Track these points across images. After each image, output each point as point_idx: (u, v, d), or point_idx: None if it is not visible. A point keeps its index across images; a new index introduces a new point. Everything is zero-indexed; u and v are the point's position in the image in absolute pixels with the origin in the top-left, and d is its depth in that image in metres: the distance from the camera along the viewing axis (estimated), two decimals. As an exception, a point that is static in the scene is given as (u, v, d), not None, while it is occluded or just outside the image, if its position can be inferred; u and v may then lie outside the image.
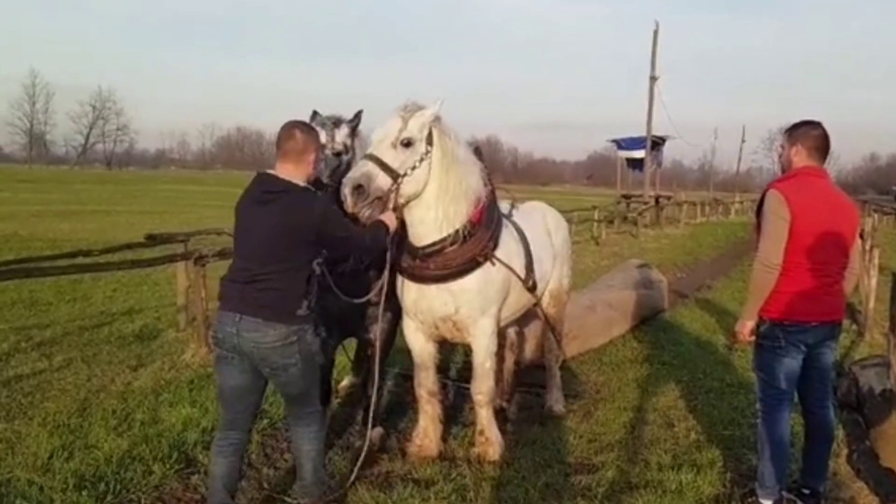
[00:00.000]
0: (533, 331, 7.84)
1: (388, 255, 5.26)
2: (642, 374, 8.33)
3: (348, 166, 5.23)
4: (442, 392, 6.04)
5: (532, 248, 6.07)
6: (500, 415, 6.41)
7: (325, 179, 5.14)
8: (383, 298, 5.36)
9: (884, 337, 10.05)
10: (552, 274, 6.63)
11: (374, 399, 5.45)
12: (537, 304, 6.51)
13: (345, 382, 6.51)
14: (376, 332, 5.72)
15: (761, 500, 5.00)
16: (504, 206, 6.28)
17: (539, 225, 6.58)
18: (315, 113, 5.46)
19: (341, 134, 5.35)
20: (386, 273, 5.33)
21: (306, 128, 4.55)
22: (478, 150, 5.82)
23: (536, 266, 6.07)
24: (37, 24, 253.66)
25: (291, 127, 4.49)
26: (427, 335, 5.75)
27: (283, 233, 4.31)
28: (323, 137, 5.22)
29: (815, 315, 4.82)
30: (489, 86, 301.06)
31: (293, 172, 4.42)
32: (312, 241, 4.40)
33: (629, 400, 7.39)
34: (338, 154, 5.30)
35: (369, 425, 5.51)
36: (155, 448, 5.59)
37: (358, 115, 5.45)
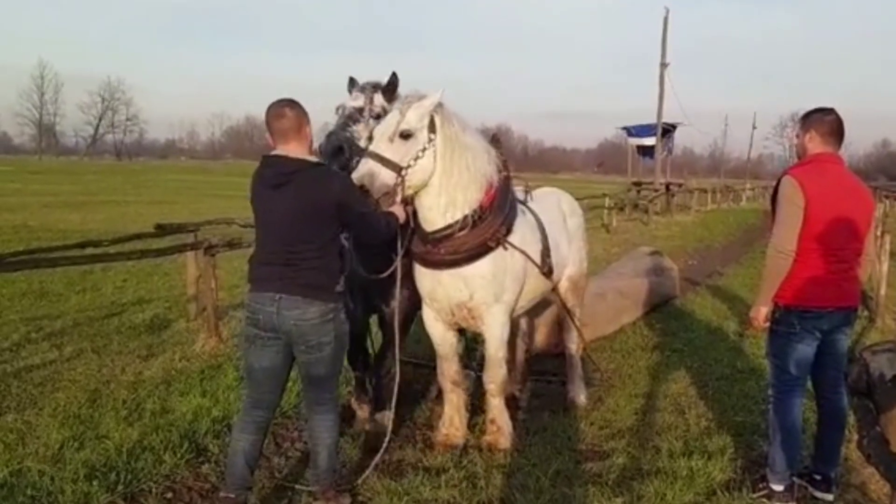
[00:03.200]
0: (544, 318, 7.82)
1: (399, 241, 5.26)
2: (653, 362, 8.31)
3: None
4: (466, 381, 6.02)
5: (549, 233, 6.04)
6: (511, 403, 6.40)
7: (362, 143, 5.18)
8: (398, 289, 5.40)
9: (895, 322, 10.04)
10: (570, 258, 6.61)
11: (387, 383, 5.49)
12: (554, 289, 6.46)
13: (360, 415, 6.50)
14: (394, 308, 5.73)
15: (772, 486, 5.00)
16: (519, 192, 6.29)
17: (554, 209, 6.55)
18: (352, 79, 5.55)
19: (379, 98, 5.41)
20: (399, 258, 5.34)
21: (292, 102, 4.48)
22: (495, 138, 5.83)
23: (553, 251, 6.04)
24: (44, 13, 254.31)
25: (278, 106, 4.42)
26: (446, 323, 5.74)
27: (305, 212, 4.33)
28: (361, 101, 5.37)
29: (831, 301, 4.82)
30: (500, 75, 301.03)
31: (298, 149, 4.41)
32: (334, 215, 4.40)
33: (640, 387, 7.37)
34: (377, 116, 5.34)
35: (392, 408, 5.55)
36: (165, 438, 5.60)
37: (394, 76, 5.47)
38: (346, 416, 6.20)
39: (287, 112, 4.40)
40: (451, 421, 5.84)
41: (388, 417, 5.66)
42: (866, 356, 7.08)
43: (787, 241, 4.74)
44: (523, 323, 7.17)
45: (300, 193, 4.31)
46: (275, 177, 4.39)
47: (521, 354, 7.20)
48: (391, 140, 4.95)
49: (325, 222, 4.39)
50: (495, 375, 5.72)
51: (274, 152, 4.46)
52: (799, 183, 4.72)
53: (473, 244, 5.30)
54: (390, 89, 5.45)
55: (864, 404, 6.62)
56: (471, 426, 6.10)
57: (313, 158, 4.47)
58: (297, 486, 5.06)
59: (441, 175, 5.14)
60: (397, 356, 5.56)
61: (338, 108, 5.54)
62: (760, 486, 5.08)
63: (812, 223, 4.70)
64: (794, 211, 4.71)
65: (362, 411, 6.16)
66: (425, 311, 5.77)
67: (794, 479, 5.03)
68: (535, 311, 7.03)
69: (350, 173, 4.87)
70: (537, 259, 5.80)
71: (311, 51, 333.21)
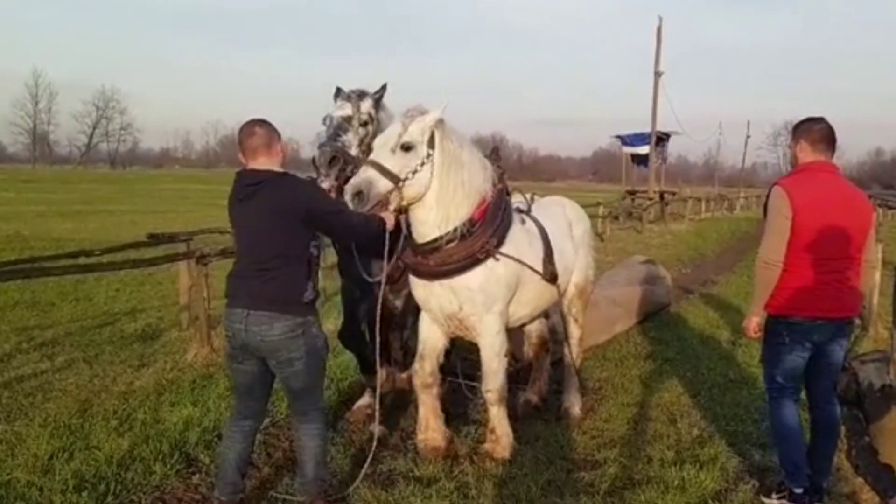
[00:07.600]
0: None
1: (387, 241, 5.25)
2: (645, 370, 8.31)
3: (374, 136, 5.38)
4: (441, 385, 6.02)
5: (552, 239, 6.04)
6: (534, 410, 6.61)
7: (353, 151, 5.44)
8: (384, 282, 5.47)
9: (888, 331, 10.03)
10: (576, 265, 6.60)
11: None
12: (562, 296, 6.43)
13: (361, 402, 6.51)
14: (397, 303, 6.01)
15: (793, 489, 4.99)
16: (523, 200, 6.39)
17: (559, 217, 6.56)
18: (339, 89, 5.70)
19: (366, 105, 5.59)
20: (385, 263, 5.38)
21: (262, 122, 4.58)
22: (496, 151, 5.94)
23: (557, 257, 6.03)
24: (38, 21, 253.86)
25: (249, 125, 4.53)
26: (441, 329, 5.77)
27: (274, 220, 4.39)
28: (349, 109, 5.55)
29: (822, 311, 4.81)
30: (494, 82, 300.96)
31: (268, 164, 4.49)
32: (304, 221, 4.45)
33: (632, 396, 7.37)
34: (364, 124, 5.56)
35: (376, 420, 5.58)
36: (156, 448, 5.57)
37: (383, 88, 5.71)
38: (335, 424, 6.19)
39: (258, 130, 4.50)
40: (427, 423, 5.82)
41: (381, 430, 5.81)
42: (855, 366, 7.08)
43: (773, 252, 4.76)
44: (545, 331, 7.17)
45: (266, 202, 4.39)
46: (242, 190, 4.48)
47: (544, 362, 7.18)
48: (392, 151, 5.04)
49: (294, 230, 4.44)
50: (492, 384, 5.70)
51: (247, 168, 4.55)
52: (787, 193, 4.74)
53: (462, 256, 5.33)
54: (377, 97, 5.62)
55: (853, 414, 6.62)
56: (462, 435, 6.10)
57: (280, 169, 4.53)
58: (285, 497, 5.04)
59: (437, 190, 5.20)
60: (377, 348, 5.63)
61: (325, 119, 5.64)
62: (781, 486, 5.10)
63: (802, 232, 4.70)
64: (781, 221, 4.72)
65: (369, 396, 6.39)
66: (422, 313, 5.81)
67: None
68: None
69: (347, 181, 5.04)
70: (538, 266, 5.81)
71: (306, 56, 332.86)
